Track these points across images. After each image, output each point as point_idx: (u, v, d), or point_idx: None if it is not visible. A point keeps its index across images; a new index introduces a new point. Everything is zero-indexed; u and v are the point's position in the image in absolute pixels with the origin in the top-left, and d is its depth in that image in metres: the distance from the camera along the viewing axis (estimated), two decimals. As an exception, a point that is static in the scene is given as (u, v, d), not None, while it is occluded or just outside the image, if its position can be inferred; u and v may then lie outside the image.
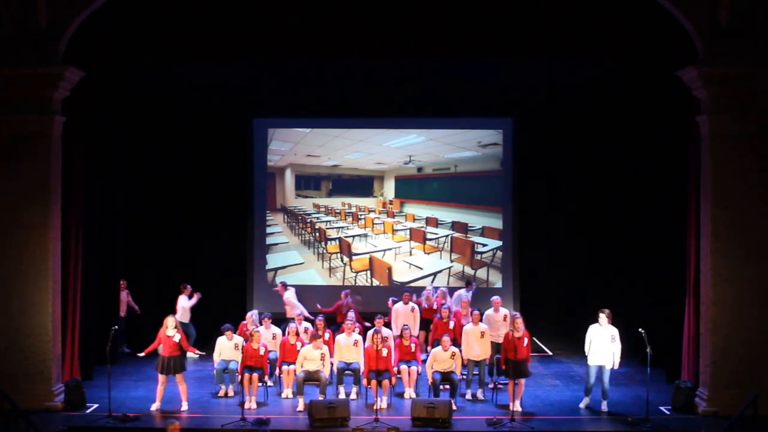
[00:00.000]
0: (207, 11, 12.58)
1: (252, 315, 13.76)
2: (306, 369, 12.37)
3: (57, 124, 12.24)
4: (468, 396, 12.61)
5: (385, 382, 12.10)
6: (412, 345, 12.66)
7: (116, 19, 12.51)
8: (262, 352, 12.38)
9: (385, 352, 12.17)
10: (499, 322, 13.53)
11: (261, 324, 13.47)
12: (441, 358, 12.24)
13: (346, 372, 12.61)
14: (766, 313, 11.97)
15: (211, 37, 12.68)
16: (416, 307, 14.24)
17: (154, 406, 12.05)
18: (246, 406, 11.82)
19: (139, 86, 15.30)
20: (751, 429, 10.84)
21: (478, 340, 12.59)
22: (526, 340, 12.00)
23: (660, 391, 12.85)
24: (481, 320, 12.93)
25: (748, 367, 11.90)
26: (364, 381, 12.25)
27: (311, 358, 12.39)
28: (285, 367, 12.63)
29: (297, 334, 12.93)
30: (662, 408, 12.26)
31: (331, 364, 12.72)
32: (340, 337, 12.83)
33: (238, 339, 12.89)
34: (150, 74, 14.77)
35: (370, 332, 12.91)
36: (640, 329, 11.98)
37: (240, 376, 12.13)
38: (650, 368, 11.94)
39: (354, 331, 12.87)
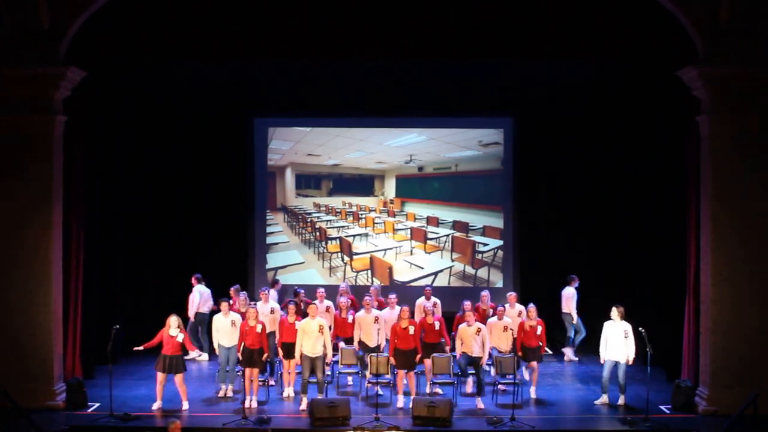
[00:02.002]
0: (207, 11, 12.60)
1: (242, 295, 13.80)
2: (308, 355, 12.07)
3: (58, 124, 12.28)
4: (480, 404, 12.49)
5: (411, 374, 12.26)
6: (437, 323, 12.78)
7: (117, 20, 12.54)
8: (259, 329, 12.20)
9: (412, 330, 12.22)
10: (513, 318, 13.58)
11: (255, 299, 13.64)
12: (467, 335, 12.40)
13: (371, 356, 12.35)
14: (766, 312, 12.00)
15: (211, 37, 12.70)
16: (438, 302, 14.13)
17: (156, 405, 12.09)
18: (246, 405, 11.85)
19: (140, 86, 15.32)
20: (750, 428, 10.88)
21: (501, 334, 12.98)
22: (540, 328, 12.76)
23: (660, 390, 12.89)
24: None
25: (747, 366, 11.93)
26: (392, 360, 12.29)
27: (309, 331, 12.11)
28: (285, 364, 12.59)
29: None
30: (662, 407, 12.30)
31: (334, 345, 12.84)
32: (360, 315, 12.98)
33: (235, 316, 12.78)
34: (150, 74, 14.79)
35: (384, 310, 13.28)
36: (640, 328, 12.03)
37: (239, 356, 12.15)
38: (650, 367, 11.97)
39: (373, 307, 13.02)
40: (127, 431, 11.22)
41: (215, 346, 12.94)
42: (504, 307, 13.46)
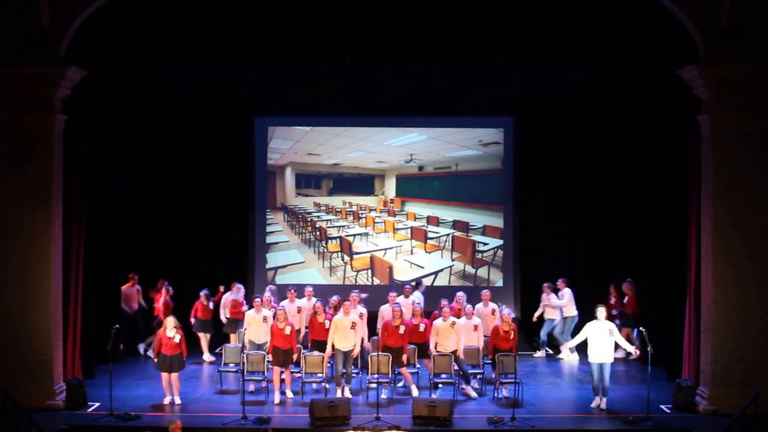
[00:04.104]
0: (207, 10, 12.59)
1: (267, 293, 14.09)
2: (340, 349, 12.48)
3: (58, 123, 12.27)
4: (472, 393, 12.78)
5: (404, 369, 12.53)
6: (422, 325, 13.01)
7: (117, 19, 12.53)
8: (288, 331, 12.48)
9: (402, 329, 12.58)
10: (487, 316, 13.94)
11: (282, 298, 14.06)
12: (443, 330, 12.66)
13: (371, 355, 12.56)
14: (767, 311, 11.98)
15: (212, 36, 12.69)
16: (408, 287, 14.58)
17: (167, 400, 12.30)
18: (276, 401, 12.31)
19: (141, 85, 15.30)
20: (751, 427, 10.86)
21: (471, 333, 13.12)
22: (512, 332, 12.65)
23: (660, 389, 12.88)
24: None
25: (748, 365, 11.91)
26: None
27: (343, 327, 12.51)
28: (277, 370, 12.63)
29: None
30: (663, 406, 12.28)
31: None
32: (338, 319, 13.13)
33: (267, 312, 13.18)
34: (151, 73, 14.77)
35: (384, 307, 13.63)
36: (641, 328, 12.02)
37: (270, 356, 12.56)
38: (651, 367, 11.96)
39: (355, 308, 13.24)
40: (127, 431, 11.21)
41: (246, 342, 13.11)
42: (473, 306, 13.60)
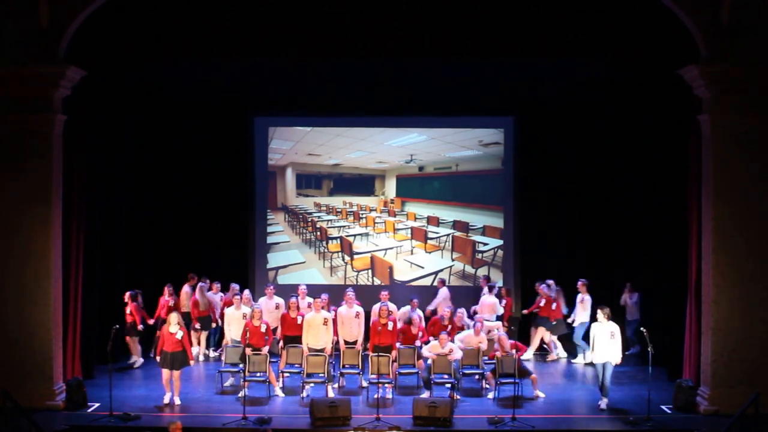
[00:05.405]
0: (208, 10, 12.59)
1: (246, 292, 14.15)
2: (312, 347, 12.72)
3: (58, 123, 12.27)
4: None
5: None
6: (390, 323, 13.16)
7: (117, 19, 12.53)
8: (263, 329, 12.78)
9: (390, 326, 12.82)
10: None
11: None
12: (436, 350, 12.75)
13: (372, 356, 12.58)
14: (767, 311, 11.97)
15: (212, 36, 12.70)
16: (421, 315, 14.47)
17: (167, 398, 12.32)
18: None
19: (141, 85, 15.30)
20: (752, 428, 10.85)
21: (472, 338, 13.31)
22: (514, 351, 12.74)
23: (661, 390, 12.87)
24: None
25: (749, 365, 11.91)
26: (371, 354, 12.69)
27: (315, 325, 12.79)
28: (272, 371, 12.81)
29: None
30: (663, 407, 12.28)
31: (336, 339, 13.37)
32: (341, 310, 13.51)
33: (246, 309, 13.41)
34: (151, 73, 14.77)
35: (375, 306, 13.65)
36: (641, 328, 12.01)
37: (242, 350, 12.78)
38: (651, 367, 11.94)
39: (354, 304, 13.54)
40: (127, 431, 11.21)
41: (228, 339, 13.39)
42: (461, 312, 13.91)
